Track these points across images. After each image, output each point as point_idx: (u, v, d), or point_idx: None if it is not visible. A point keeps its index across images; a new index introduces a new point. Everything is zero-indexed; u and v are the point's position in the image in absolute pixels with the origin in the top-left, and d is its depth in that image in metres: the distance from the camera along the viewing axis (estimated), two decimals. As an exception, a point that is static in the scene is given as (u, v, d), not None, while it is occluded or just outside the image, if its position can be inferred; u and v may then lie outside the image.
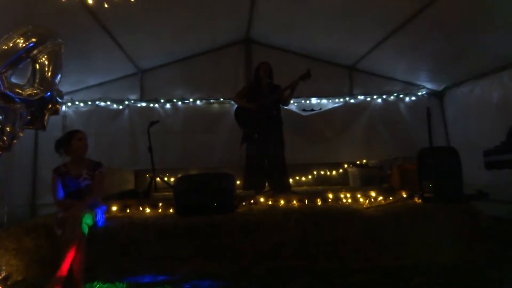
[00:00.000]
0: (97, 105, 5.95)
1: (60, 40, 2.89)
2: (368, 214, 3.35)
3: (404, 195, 3.80)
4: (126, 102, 6.03)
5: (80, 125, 5.76)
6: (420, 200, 3.61)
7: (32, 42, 2.64)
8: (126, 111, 6.03)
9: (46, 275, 2.88)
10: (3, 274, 2.94)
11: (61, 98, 2.97)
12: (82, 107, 5.95)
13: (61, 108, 2.93)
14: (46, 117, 2.81)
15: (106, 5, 3.66)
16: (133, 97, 6.08)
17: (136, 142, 5.75)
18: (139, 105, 6.06)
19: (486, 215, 3.47)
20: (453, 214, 3.30)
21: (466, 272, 2.82)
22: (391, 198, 3.81)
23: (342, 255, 3.12)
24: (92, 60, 5.24)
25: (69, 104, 5.89)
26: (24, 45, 2.58)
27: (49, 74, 2.76)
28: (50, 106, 2.81)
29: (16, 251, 3.03)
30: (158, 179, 4.86)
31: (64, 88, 5.66)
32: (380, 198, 3.82)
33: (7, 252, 3.01)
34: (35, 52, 2.67)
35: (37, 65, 2.73)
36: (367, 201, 3.79)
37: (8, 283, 2.92)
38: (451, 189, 3.46)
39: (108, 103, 5.99)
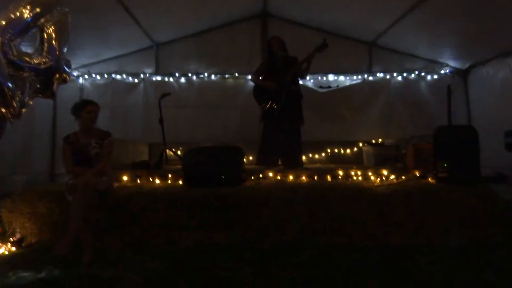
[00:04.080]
0: (113, 78, 6.00)
1: (66, 9, 2.88)
2: (378, 192, 3.28)
3: (417, 174, 3.69)
4: (142, 76, 6.05)
5: (96, 97, 5.76)
6: (433, 180, 3.50)
7: (38, 10, 2.64)
8: (142, 85, 6.06)
9: (58, 239, 2.99)
10: (18, 236, 3.08)
11: (69, 67, 2.99)
12: (99, 79, 6.01)
13: (69, 77, 2.94)
14: (55, 86, 2.84)
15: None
16: (149, 70, 6.09)
17: (150, 115, 5.78)
18: (154, 78, 6.07)
19: (503, 198, 3.34)
20: (466, 196, 3.19)
21: (474, 254, 2.74)
22: (403, 177, 3.71)
23: (349, 232, 3.10)
24: (108, 33, 5.24)
25: (86, 76, 5.97)
26: (31, 13, 2.59)
27: (56, 43, 2.76)
28: (58, 75, 2.82)
29: (30, 215, 3.14)
30: (169, 151, 4.90)
31: (81, 61, 5.83)
32: (392, 176, 3.73)
33: (22, 215, 3.13)
34: (42, 21, 2.67)
35: (45, 34, 2.74)
36: (378, 179, 3.71)
37: (23, 244, 3.06)
38: (467, 169, 3.33)
39: (124, 76, 6.03)
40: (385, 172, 3.77)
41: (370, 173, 3.78)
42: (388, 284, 2.21)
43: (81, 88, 5.93)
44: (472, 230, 3.13)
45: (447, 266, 2.51)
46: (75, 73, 5.91)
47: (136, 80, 6.05)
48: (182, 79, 6.10)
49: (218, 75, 6.13)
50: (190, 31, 6.06)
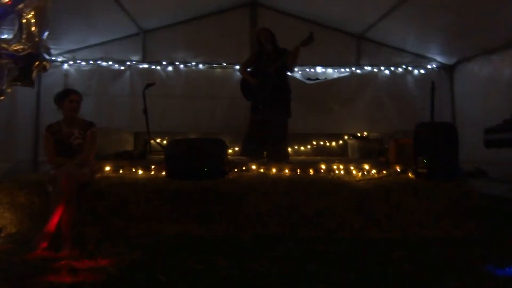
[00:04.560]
0: (98, 64, 5.91)
1: (47, -6, 2.81)
2: (358, 186, 3.33)
3: (398, 170, 3.75)
4: (128, 63, 5.97)
5: (81, 84, 5.75)
6: (413, 175, 3.56)
7: (15, -4, 2.57)
8: (128, 72, 5.98)
9: (38, 230, 2.97)
10: (-3, 226, 3.06)
11: (49, 55, 2.93)
12: (84, 66, 5.91)
13: (49, 65, 2.89)
14: (34, 74, 2.79)
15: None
16: (135, 58, 6.01)
17: (136, 103, 5.64)
18: (140, 66, 6.00)
19: (480, 193, 3.43)
20: (443, 191, 3.26)
21: (448, 248, 2.82)
22: (384, 171, 3.76)
23: (328, 225, 3.15)
24: (93, 18, 5.14)
25: (71, 62, 5.86)
26: (8, -1, 2.52)
27: (36, 30, 2.70)
28: (37, 62, 2.76)
29: (10, 205, 3.12)
30: (153, 142, 4.87)
31: (66, 46, 5.72)
32: (374, 171, 3.78)
33: (1, 205, 3.11)
34: (21, 6, 2.60)
35: (24, 20, 2.68)
36: (360, 173, 3.76)
37: (2, 234, 3.04)
38: (445, 165, 3.39)
39: (110, 63, 5.94)
40: (366, 167, 3.82)
41: (352, 167, 3.82)
42: (361, 277, 2.27)
43: (66, 74, 5.83)
44: (448, 225, 3.21)
45: (420, 260, 2.58)
46: (59, 59, 5.80)
47: (122, 68, 5.97)
48: (169, 68, 6.04)
49: (206, 65, 6.08)
50: (178, 19, 5.98)
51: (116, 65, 5.96)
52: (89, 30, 5.48)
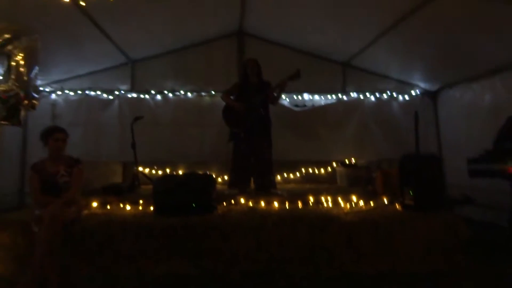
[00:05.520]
0: (86, 94, 5.90)
1: (36, 35, 2.84)
2: (347, 220, 3.33)
3: (385, 201, 3.79)
4: (116, 92, 5.97)
5: (69, 114, 5.75)
6: (400, 207, 3.60)
7: (6, 38, 2.61)
8: (116, 102, 5.97)
9: (22, 273, 2.91)
10: (-21, 269, 2.98)
11: (37, 93, 2.94)
12: (72, 96, 5.90)
13: (38, 103, 2.90)
14: (22, 112, 2.79)
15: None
16: (124, 87, 6.03)
17: (125, 133, 5.64)
18: (129, 95, 6.00)
19: (467, 220, 3.47)
20: (431, 223, 3.29)
21: (436, 282, 2.84)
22: (372, 203, 3.80)
23: (317, 261, 3.14)
24: (80, 50, 5.17)
25: (59, 92, 5.85)
26: (-1, 40, 2.55)
27: (25, 70, 2.72)
28: (26, 102, 2.78)
29: (-7, 247, 3.05)
30: (141, 175, 4.85)
31: (53, 77, 5.73)
32: (361, 202, 3.81)
33: (-17, 247, 3.03)
34: (9, 47, 2.63)
35: (13, 62, 2.70)
36: (348, 205, 3.78)
37: (-16, 278, 2.96)
38: (431, 197, 3.44)
39: (98, 92, 5.94)
40: (354, 198, 3.85)
41: (339, 199, 3.85)
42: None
43: (54, 104, 5.80)
44: (436, 258, 3.23)
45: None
46: (47, 89, 5.80)
47: (110, 97, 5.97)
48: (158, 97, 6.06)
49: (195, 93, 6.13)
50: (166, 49, 6.05)
51: (105, 95, 5.95)
52: (78, 61, 5.51)
